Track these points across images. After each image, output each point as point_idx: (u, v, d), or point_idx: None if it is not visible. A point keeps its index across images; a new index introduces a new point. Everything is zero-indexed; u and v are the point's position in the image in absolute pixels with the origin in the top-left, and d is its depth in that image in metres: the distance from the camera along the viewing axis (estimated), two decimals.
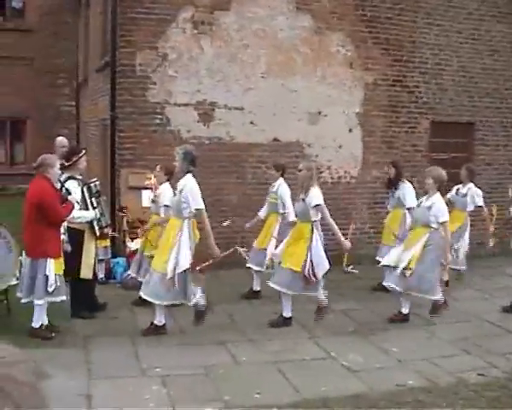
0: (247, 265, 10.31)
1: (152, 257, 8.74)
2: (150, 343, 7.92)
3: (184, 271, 8.00)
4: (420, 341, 8.54)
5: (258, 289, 10.22)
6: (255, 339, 8.32)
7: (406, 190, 10.53)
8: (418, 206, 9.27)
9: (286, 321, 8.83)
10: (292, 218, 9.61)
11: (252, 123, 12.15)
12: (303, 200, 8.62)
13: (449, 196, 10.90)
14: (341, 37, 12.69)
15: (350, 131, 13.04)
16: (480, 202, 11.34)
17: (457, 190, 11.30)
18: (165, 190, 9.34)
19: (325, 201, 8.78)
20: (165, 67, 11.58)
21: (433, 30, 13.51)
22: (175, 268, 7.91)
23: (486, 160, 14.41)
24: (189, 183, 8.10)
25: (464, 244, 11.31)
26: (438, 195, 8.98)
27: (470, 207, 11.37)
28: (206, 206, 8.29)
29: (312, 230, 8.56)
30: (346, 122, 12.97)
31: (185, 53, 11.66)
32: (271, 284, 8.87)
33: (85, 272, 8.70)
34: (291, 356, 7.74)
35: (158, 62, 11.51)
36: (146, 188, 11.04)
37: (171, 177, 9.44)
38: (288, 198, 9.85)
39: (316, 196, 8.52)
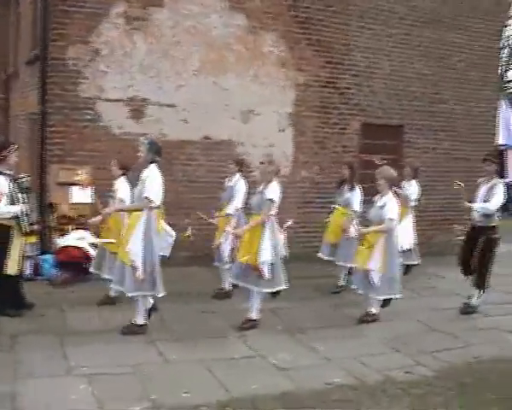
0: (214, 263, 10.71)
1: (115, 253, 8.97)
2: (78, 342, 8.03)
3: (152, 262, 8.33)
4: (349, 339, 8.92)
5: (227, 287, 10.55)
6: (184, 338, 8.53)
7: (356, 194, 11.25)
8: (372, 206, 9.83)
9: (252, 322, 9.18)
10: (231, 210, 10.17)
11: (183, 120, 12.53)
12: (261, 193, 8.94)
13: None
14: (275, 37, 13.25)
15: (281, 130, 13.62)
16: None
17: (402, 187, 11.95)
18: (122, 185, 9.61)
19: None
20: (98, 62, 11.85)
21: (364, 33, 14.28)
22: (139, 260, 8.21)
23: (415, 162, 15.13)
24: (152, 173, 8.31)
25: (411, 239, 12.31)
26: (390, 194, 9.60)
27: (412, 203, 12.30)
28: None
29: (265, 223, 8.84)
30: (278, 122, 13.54)
31: (118, 48, 11.97)
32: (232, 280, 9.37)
33: (12, 268, 8.80)
34: (220, 355, 7.93)
35: (90, 57, 11.77)
36: (76, 184, 11.29)
37: (127, 171, 9.72)
38: (241, 193, 10.26)
39: (273, 190, 8.82)
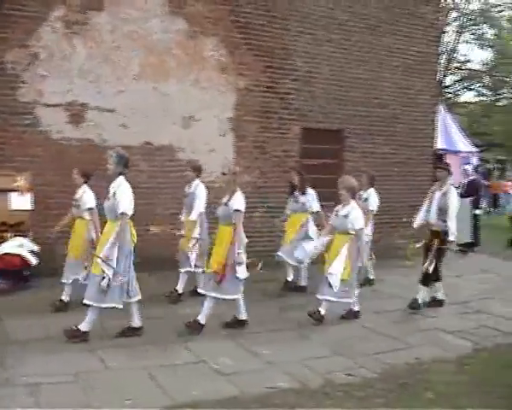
0: (182, 269, 11.04)
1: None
2: (18, 351, 8.14)
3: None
4: (291, 343, 9.27)
5: (181, 291, 10.96)
6: (126, 344, 8.66)
7: (311, 197, 12.04)
8: (336, 215, 10.35)
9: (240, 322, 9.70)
10: (194, 216, 10.62)
11: (123, 126, 12.74)
12: (225, 204, 9.41)
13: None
14: (215, 41, 13.59)
15: (222, 135, 13.94)
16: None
17: (359, 195, 12.35)
18: (85, 193, 10.03)
19: None
20: (36, 66, 11.98)
21: (304, 38, 14.76)
22: (110, 270, 8.52)
23: (355, 166, 15.61)
24: (121, 186, 8.78)
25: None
26: (353, 203, 10.23)
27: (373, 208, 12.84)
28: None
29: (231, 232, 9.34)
30: (219, 127, 13.88)
31: (57, 52, 12.11)
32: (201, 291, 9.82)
33: None
34: (162, 361, 8.11)
35: (29, 61, 11.90)
36: (15, 190, 11.38)
37: (88, 179, 10.16)
38: (202, 198, 10.75)
39: (238, 200, 9.33)
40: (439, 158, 23.35)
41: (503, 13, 41.55)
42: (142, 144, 12.93)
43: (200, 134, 13.50)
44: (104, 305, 8.63)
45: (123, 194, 8.71)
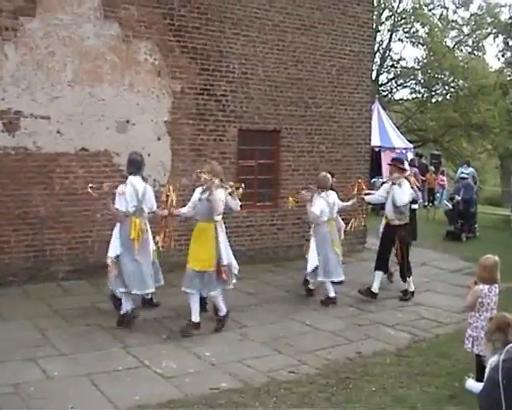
0: None
1: None
2: None
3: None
4: (232, 343, 9.46)
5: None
6: (67, 353, 8.70)
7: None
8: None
9: (194, 325, 9.82)
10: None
11: (59, 132, 12.65)
12: (207, 200, 9.72)
13: None
14: (149, 45, 13.60)
15: (158, 139, 13.98)
16: None
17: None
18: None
19: None
20: None
21: (239, 40, 14.92)
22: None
23: (292, 166, 16.00)
24: (127, 186, 9.97)
25: None
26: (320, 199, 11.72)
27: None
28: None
29: (216, 229, 9.77)
30: (155, 130, 13.91)
31: None
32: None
33: None
34: (104, 368, 8.18)
35: None
36: None
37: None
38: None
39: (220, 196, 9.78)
40: (376, 155, 23.76)
41: (435, 11, 42.43)
42: (78, 151, 12.87)
43: (137, 138, 13.46)
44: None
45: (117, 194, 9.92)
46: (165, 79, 13.90)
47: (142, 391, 7.47)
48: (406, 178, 12.41)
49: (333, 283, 11.86)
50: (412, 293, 12.40)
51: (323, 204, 11.81)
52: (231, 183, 10.52)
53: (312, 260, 11.73)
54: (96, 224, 12.79)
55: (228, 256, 9.97)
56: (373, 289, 12.04)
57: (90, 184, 10.32)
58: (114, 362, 8.43)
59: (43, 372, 7.99)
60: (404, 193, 12.00)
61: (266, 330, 10.15)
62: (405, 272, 12.27)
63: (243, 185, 10.60)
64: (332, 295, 11.76)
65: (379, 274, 12.16)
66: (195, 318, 9.76)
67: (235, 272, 10.24)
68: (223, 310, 10.08)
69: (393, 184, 12.08)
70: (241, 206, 10.69)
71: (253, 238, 15.25)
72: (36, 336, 9.34)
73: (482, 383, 5.58)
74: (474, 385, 5.88)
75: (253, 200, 15.12)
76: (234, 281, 10.22)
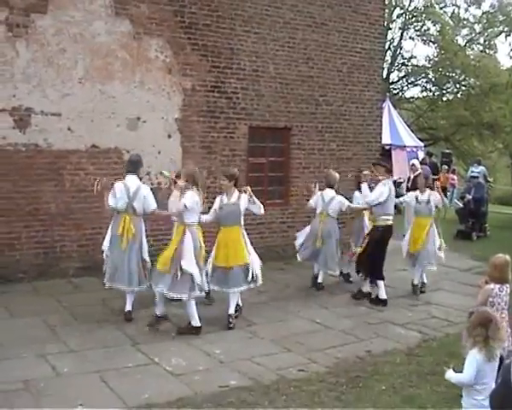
0: None
1: None
2: None
3: None
4: (242, 341, 9.48)
5: None
6: (77, 349, 8.71)
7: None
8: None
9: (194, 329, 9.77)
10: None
11: (69, 129, 12.68)
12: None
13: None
14: (160, 42, 13.59)
15: (169, 136, 13.98)
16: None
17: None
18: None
19: None
20: None
21: (250, 37, 14.89)
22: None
23: (303, 164, 15.95)
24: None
25: None
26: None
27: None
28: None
29: (184, 231, 9.62)
30: (165, 128, 13.90)
31: None
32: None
33: None
34: (114, 364, 8.18)
35: None
36: None
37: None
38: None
39: (188, 198, 9.60)
40: (388, 153, 23.73)
41: (446, 9, 42.26)
42: (89, 148, 12.89)
43: (147, 136, 13.53)
44: None
45: None
46: (176, 76, 13.89)
47: (151, 388, 7.49)
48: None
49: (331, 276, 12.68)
50: (368, 295, 12.20)
51: (318, 198, 12.71)
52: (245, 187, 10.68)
53: (299, 237, 12.97)
54: (106, 221, 12.76)
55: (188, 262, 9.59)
56: (381, 297, 11.99)
57: (98, 178, 10.34)
58: (124, 359, 8.45)
59: (53, 369, 8.00)
60: (375, 192, 12.02)
61: (275, 328, 10.15)
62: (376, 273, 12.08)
63: (249, 188, 10.63)
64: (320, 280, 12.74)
65: (381, 283, 12.04)
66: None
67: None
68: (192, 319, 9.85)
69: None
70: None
71: (262, 236, 15.22)
72: (45, 332, 9.36)
73: (462, 373, 5.72)
74: (453, 376, 5.91)
75: (263, 197, 15.06)
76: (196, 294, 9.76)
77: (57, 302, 10.92)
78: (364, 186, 12.30)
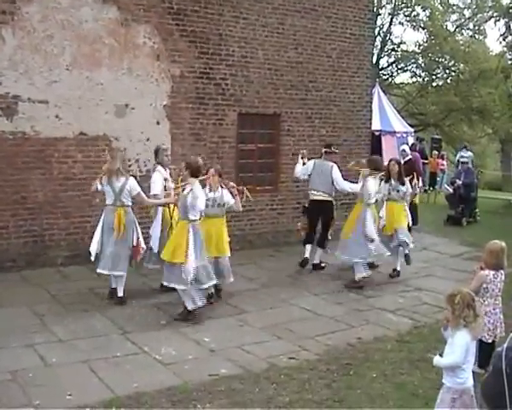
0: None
1: None
2: None
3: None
4: (232, 329, 9.42)
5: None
6: (65, 339, 8.66)
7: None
8: None
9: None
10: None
11: (57, 117, 12.57)
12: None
13: None
14: (148, 29, 13.47)
15: (158, 123, 13.87)
16: None
17: None
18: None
19: None
20: None
21: (239, 23, 14.79)
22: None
23: (292, 150, 15.82)
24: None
25: None
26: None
27: None
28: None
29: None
30: (154, 115, 13.80)
31: None
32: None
33: None
34: (103, 354, 8.13)
35: None
36: None
37: None
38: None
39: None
40: (377, 139, 23.65)
41: None
42: (77, 135, 12.78)
43: (136, 123, 13.43)
44: None
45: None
46: (164, 62, 13.78)
47: (140, 378, 7.43)
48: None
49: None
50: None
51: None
52: (232, 183, 10.89)
53: None
54: (94, 209, 12.68)
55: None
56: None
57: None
58: (113, 349, 8.39)
59: (42, 359, 7.95)
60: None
61: (266, 316, 10.10)
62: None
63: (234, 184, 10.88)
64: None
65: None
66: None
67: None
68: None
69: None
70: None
71: (252, 223, 15.17)
72: (34, 322, 9.30)
73: (452, 356, 5.66)
74: (443, 360, 5.87)
75: (252, 184, 15.01)
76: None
77: (46, 291, 10.85)
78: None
